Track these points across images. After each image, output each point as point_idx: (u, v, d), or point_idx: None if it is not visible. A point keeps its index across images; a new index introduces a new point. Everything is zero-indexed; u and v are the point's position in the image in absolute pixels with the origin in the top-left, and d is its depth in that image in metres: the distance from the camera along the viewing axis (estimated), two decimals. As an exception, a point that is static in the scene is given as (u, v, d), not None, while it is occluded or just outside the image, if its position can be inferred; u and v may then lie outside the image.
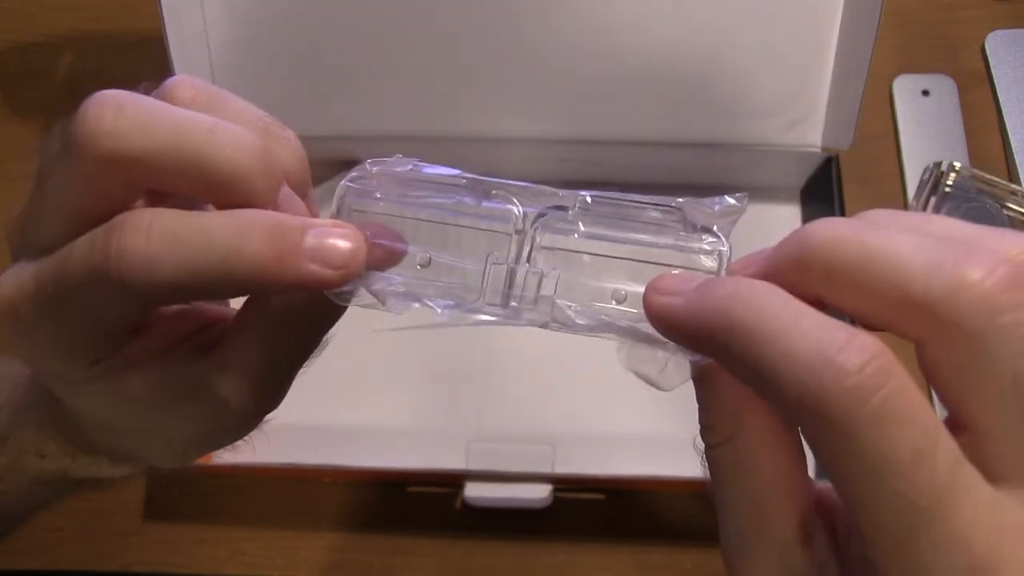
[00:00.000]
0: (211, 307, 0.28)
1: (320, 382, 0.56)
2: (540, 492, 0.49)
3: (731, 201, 0.24)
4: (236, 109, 0.26)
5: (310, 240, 0.22)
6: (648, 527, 0.52)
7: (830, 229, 0.20)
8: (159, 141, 0.22)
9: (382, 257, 0.24)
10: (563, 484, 0.50)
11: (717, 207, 0.24)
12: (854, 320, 0.21)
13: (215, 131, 0.23)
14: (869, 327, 0.20)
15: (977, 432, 0.19)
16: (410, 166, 0.25)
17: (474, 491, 0.49)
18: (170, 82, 0.25)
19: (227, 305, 0.28)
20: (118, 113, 0.22)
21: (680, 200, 0.24)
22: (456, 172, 0.25)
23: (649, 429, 0.53)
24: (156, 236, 0.22)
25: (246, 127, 0.24)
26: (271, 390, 0.27)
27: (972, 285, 0.18)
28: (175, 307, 0.27)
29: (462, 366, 0.56)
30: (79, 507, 0.53)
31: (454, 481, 0.50)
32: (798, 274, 0.21)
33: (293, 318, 0.25)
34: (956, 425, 0.19)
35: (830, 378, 0.18)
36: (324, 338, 0.27)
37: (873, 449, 0.18)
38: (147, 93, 0.25)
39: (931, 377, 0.20)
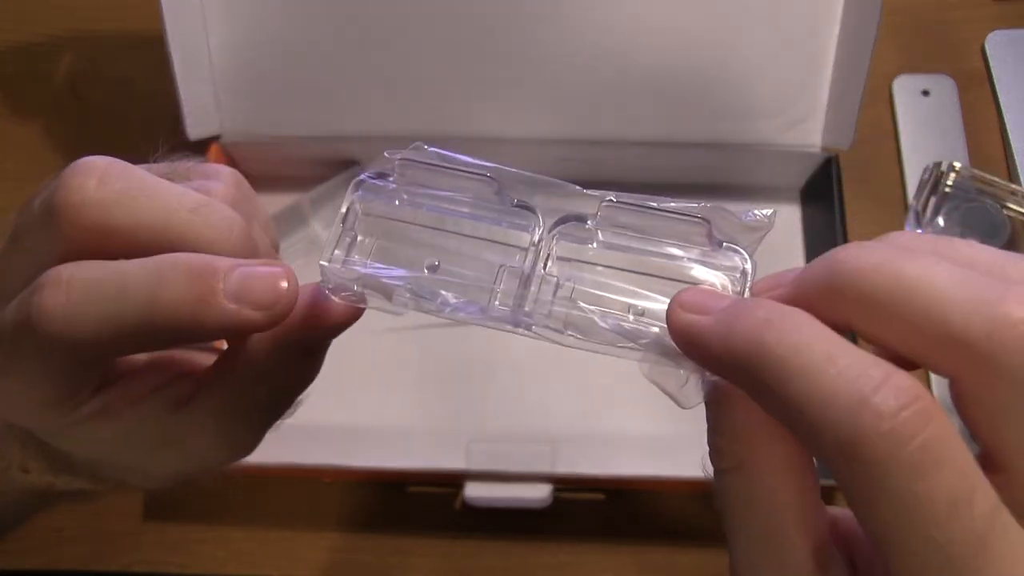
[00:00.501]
0: (185, 358, 0.27)
1: (320, 382, 0.56)
2: (540, 492, 0.49)
3: (759, 215, 0.23)
4: (262, 220, 0.26)
5: (232, 281, 0.21)
6: (648, 527, 0.52)
7: (862, 256, 0.19)
8: (140, 217, 0.22)
9: (341, 315, 0.23)
10: (563, 484, 0.50)
11: (745, 218, 0.23)
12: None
13: (198, 211, 0.23)
14: (898, 360, 0.19)
15: (1014, 472, 0.19)
16: (432, 154, 0.24)
17: (474, 491, 0.49)
18: (213, 169, 0.25)
19: (207, 353, 0.28)
20: (101, 183, 0.22)
21: (707, 206, 0.23)
22: (481, 164, 0.24)
23: (649, 429, 0.53)
24: (75, 291, 0.21)
25: (259, 228, 0.24)
26: (242, 443, 0.27)
27: (1015, 324, 0.18)
28: (147, 357, 0.27)
29: (462, 366, 0.56)
30: (79, 507, 0.53)
31: (454, 481, 0.50)
32: (828, 301, 0.20)
33: (263, 378, 0.24)
34: (989, 464, 0.19)
35: (866, 420, 0.17)
36: (298, 399, 0.26)
37: (908, 495, 0.17)
38: (165, 160, 0.25)
39: (965, 413, 0.19)
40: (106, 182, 0.22)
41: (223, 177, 0.25)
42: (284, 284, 0.22)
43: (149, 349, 0.26)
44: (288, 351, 0.24)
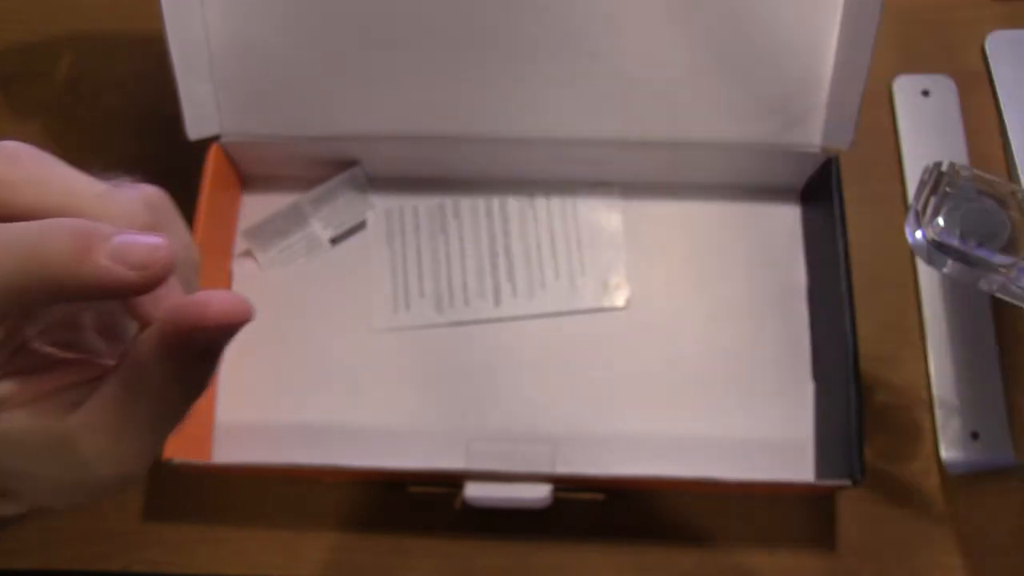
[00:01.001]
0: (96, 362, 0.27)
1: (320, 382, 0.56)
2: (540, 492, 0.49)
3: None
4: (182, 238, 0.27)
5: (113, 243, 0.22)
6: (648, 527, 0.52)
7: None
8: (45, 198, 0.23)
9: (221, 315, 0.23)
10: (563, 484, 0.50)
11: None
12: None
13: (103, 196, 0.23)
14: None
15: None
16: None
17: (474, 491, 0.49)
18: (140, 185, 0.26)
19: (114, 355, 0.28)
20: (10, 164, 0.23)
21: None
22: None
23: (649, 429, 0.53)
24: None
25: (177, 241, 0.24)
26: (135, 453, 0.26)
27: None
28: (48, 353, 0.27)
29: (462, 366, 0.56)
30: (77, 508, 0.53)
31: (454, 481, 0.50)
32: None
33: (151, 380, 0.24)
34: None
35: None
36: (188, 409, 0.26)
37: None
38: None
39: None
40: (16, 163, 0.23)
41: (146, 189, 0.26)
42: (161, 253, 0.22)
43: (29, 307, 0.26)
44: (175, 350, 0.24)
